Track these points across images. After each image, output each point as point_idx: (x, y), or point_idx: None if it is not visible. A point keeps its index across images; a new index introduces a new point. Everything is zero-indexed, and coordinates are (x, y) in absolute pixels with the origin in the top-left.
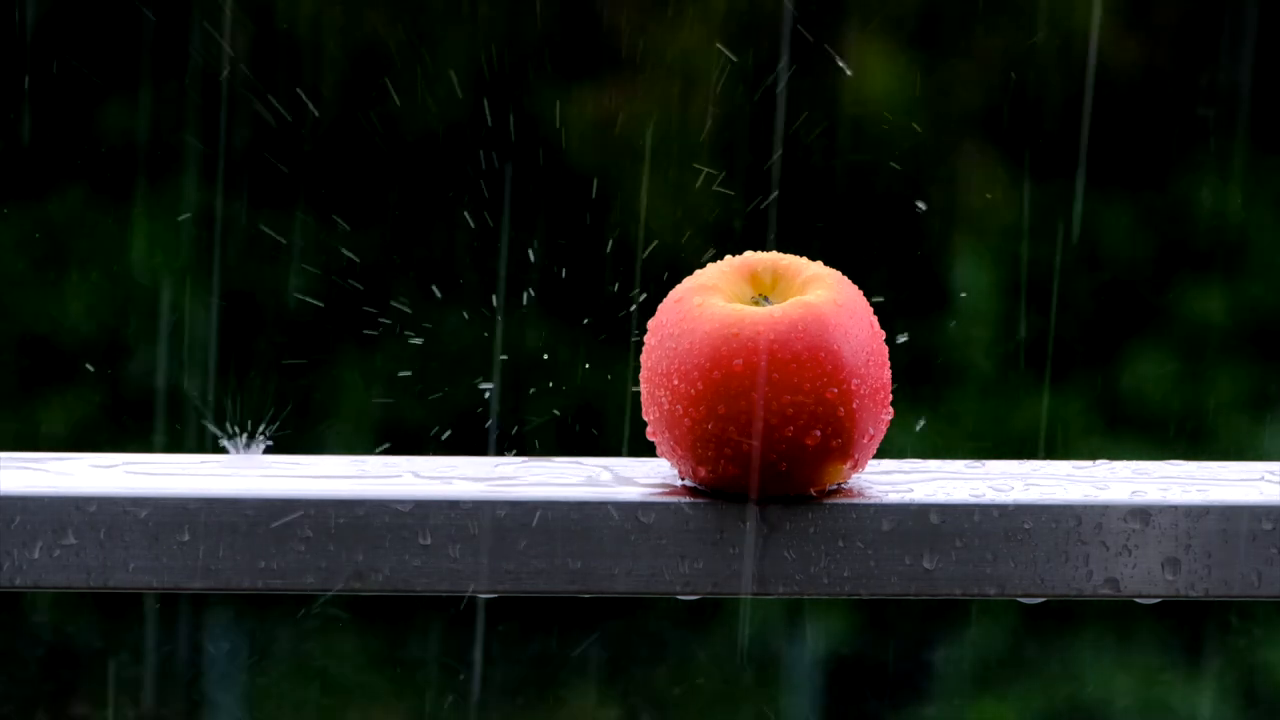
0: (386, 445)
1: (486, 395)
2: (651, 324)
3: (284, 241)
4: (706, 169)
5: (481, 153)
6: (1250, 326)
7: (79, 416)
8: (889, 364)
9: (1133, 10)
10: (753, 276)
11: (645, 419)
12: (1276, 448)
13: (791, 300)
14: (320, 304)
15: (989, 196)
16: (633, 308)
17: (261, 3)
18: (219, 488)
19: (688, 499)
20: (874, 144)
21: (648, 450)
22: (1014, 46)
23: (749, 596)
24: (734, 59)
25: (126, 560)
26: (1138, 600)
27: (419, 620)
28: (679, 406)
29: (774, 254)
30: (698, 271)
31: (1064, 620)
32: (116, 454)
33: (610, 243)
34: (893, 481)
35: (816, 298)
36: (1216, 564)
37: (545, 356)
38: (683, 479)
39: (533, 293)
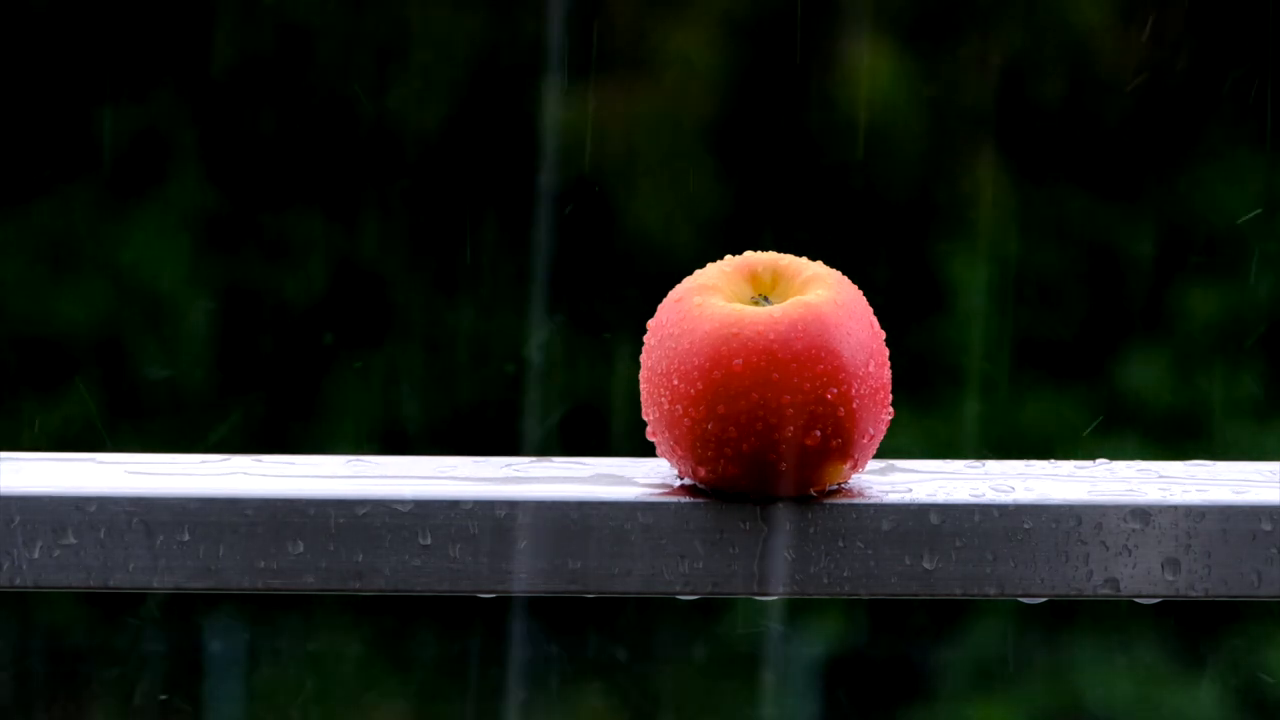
0: (386, 445)
1: (486, 394)
2: (651, 324)
3: (284, 240)
4: (706, 168)
5: (481, 152)
6: (1250, 326)
7: (79, 416)
8: (889, 364)
9: (1133, 10)
10: (753, 276)
11: (645, 419)
12: (1276, 448)
13: (791, 300)
14: (321, 303)
15: (988, 196)
16: (632, 307)
17: (263, 1)
18: (219, 488)
19: (688, 499)
20: (873, 143)
21: (648, 450)
22: (1014, 47)
23: (749, 596)
24: (733, 59)
25: (126, 560)
26: (1138, 600)
27: (419, 620)
28: (679, 406)
29: (774, 254)
30: (698, 271)
31: (1064, 620)
32: (116, 454)
33: (609, 242)
34: (893, 481)
35: (816, 298)
36: (1216, 564)
37: (545, 356)
38: (683, 479)
39: (532, 292)
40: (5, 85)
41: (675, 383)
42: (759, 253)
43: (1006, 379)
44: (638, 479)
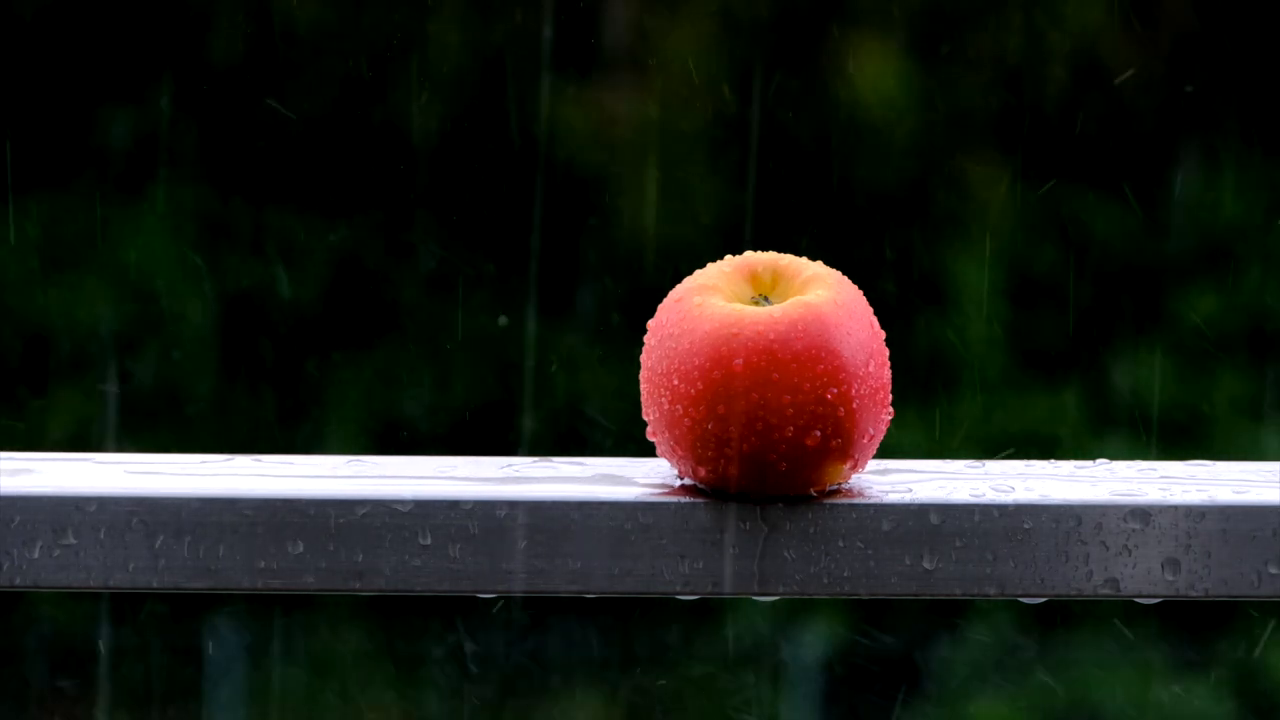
0: (386, 445)
1: (485, 394)
2: (651, 324)
3: (284, 241)
4: (706, 168)
5: (481, 152)
6: (1248, 327)
7: (79, 416)
8: (889, 364)
9: (1132, 11)
10: (753, 276)
11: (645, 419)
12: (1276, 448)
13: (791, 300)
14: (321, 303)
15: (988, 196)
16: (632, 307)
17: (262, 2)
18: (219, 488)
19: (688, 499)
20: (873, 144)
21: (648, 450)
22: (1013, 47)
23: (749, 596)
24: (733, 59)
25: (126, 560)
26: (1138, 600)
27: (419, 619)
28: (679, 406)
29: (774, 254)
30: (698, 271)
31: (1064, 620)
32: (116, 454)
33: (609, 242)
34: (893, 481)
35: (816, 298)
36: (1216, 564)
37: (544, 355)
38: (683, 479)
39: (532, 292)
40: (6, 85)
41: (675, 383)
42: (759, 253)
43: (1006, 379)
44: (638, 479)
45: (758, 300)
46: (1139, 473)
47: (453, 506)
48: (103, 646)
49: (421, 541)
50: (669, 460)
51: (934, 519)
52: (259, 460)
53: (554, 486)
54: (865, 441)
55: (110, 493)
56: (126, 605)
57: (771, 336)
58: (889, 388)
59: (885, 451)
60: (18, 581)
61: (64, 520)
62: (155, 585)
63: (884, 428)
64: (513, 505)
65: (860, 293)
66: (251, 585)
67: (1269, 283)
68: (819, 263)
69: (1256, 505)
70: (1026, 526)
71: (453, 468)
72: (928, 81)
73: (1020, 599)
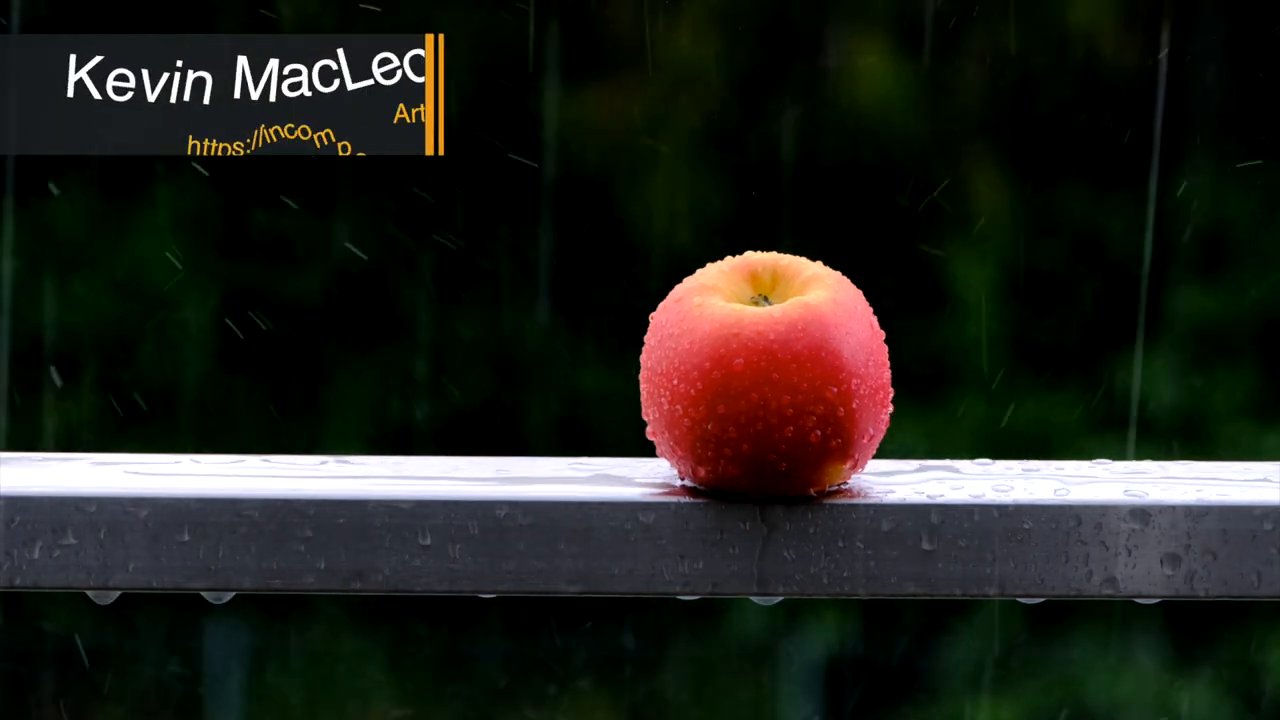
0: (386, 445)
1: (486, 394)
2: (651, 324)
3: (284, 240)
4: (706, 168)
5: (482, 152)
6: (1250, 327)
7: (79, 416)
8: (889, 364)
9: (1131, 11)
10: (753, 276)
11: (645, 419)
12: (1276, 448)
13: (791, 300)
14: (320, 303)
15: (988, 196)
16: (632, 307)
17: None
18: (219, 488)
19: (688, 499)
20: (873, 143)
21: (648, 450)
22: (1013, 46)
23: (749, 596)
24: (733, 59)
25: (126, 560)
26: (1138, 600)
27: (419, 620)
28: (679, 406)
29: (774, 254)
30: (698, 271)
31: (1064, 620)
32: (116, 454)
33: (610, 242)
34: (893, 482)
35: (816, 298)
36: (1216, 564)
37: (545, 355)
38: (683, 479)
39: (533, 292)
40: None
41: (675, 383)
42: (759, 253)
43: (1007, 379)
44: (638, 479)
45: (758, 300)
46: (1139, 473)
47: (453, 506)
48: (102, 647)
49: (421, 541)
50: (669, 460)
51: (934, 519)
52: (260, 460)
53: (554, 486)
54: (865, 441)
55: (110, 493)
56: (125, 605)
57: (771, 337)
58: (889, 388)
59: (886, 451)
60: (18, 582)
61: (64, 520)
62: (155, 585)
63: (884, 428)
64: (513, 505)
65: (860, 293)
66: (252, 585)
67: (1270, 282)
68: (819, 263)
69: (1256, 505)
70: (1026, 526)
71: (453, 468)
72: (928, 81)
73: (1020, 599)
